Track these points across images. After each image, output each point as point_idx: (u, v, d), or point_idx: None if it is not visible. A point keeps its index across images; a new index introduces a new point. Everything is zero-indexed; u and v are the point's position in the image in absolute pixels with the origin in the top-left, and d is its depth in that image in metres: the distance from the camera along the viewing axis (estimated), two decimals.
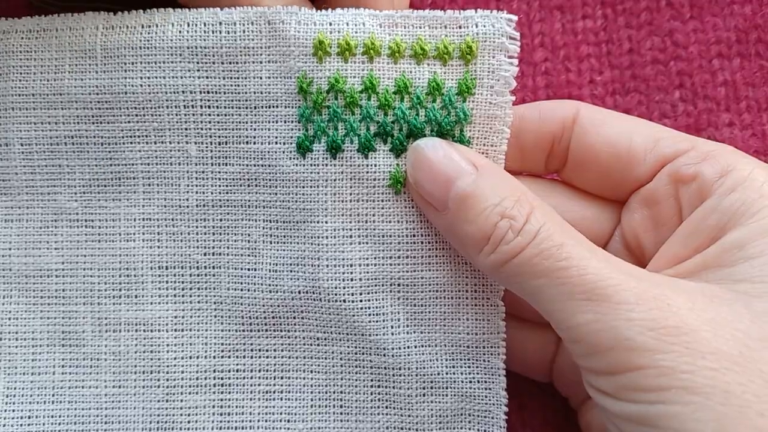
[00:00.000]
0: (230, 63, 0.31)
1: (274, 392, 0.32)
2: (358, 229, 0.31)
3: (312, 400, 0.32)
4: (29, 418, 0.32)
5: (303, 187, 0.31)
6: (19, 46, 0.32)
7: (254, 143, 0.32)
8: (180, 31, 0.31)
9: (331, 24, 0.31)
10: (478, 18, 0.31)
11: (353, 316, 0.31)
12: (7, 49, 0.32)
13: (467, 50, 0.31)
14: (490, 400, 0.32)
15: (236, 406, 0.32)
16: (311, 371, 0.32)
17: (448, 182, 0.29)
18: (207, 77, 0.31)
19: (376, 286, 0.31)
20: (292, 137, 0.32)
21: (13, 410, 0.32)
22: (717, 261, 0.27)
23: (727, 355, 0.24)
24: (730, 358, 0.24)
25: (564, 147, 0.31)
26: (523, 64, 0.38)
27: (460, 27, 0.31)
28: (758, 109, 0.38)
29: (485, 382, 0.32)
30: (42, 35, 0.32)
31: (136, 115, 0.32)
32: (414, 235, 0.31)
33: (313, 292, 0.32)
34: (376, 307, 0.32)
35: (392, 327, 0.32)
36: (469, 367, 0.32)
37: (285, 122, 0.32)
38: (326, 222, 0.31)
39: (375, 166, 0.31)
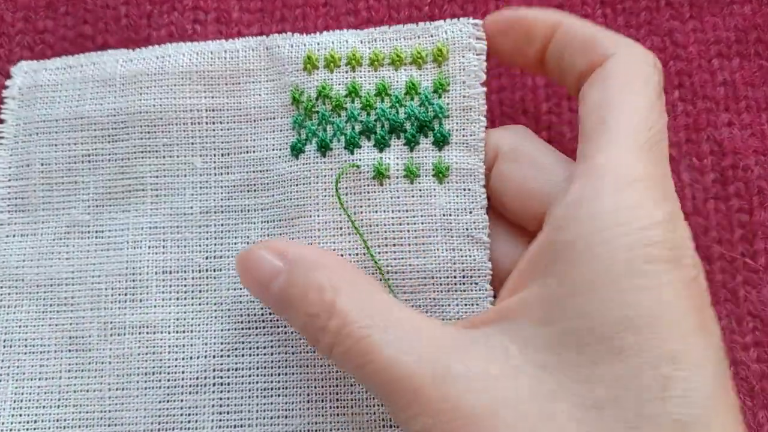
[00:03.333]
0: (233, 84, 0.35)
1: (271, 389, 0.33)
2: (348, 221, 0.33)
3: (309, 395, 0.33)
4: (35, 422, 0.33)
5: (297, 185, 0.33)
6: (47, 81, 0.36)
7: (253, 152, 0.34)
8: (190, 59, 0.35)
9: (318, 43, 0.34)
10: (447, 26, 0.34)
11: None
12: (36, 83, 0.36)
13: (438, 54, 0.34)
14: None
15: (235, 405, 0.33)
16: (307, 366, 0.33)
17: (264, 287, 0.29)
18: (212, 96, 0.35)
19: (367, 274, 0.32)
20: (286, 143, 0.34)
21: (20, 415, 0.33)
22: (531, 312, 0.25)
23: None
24: None
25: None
26: None
27: (431, 35, 0.34)
28: (757, 109, 0.37)
29: None
30: (68, 71, 0.36)
31: (148, 132, 0.35)
32: (400, 224, 0.33)
33: None
34: None
35: None
36: None
37: (281, 131, 0.34)
38: (318, 215, 0.33)
39: (360, 160, 0.33)
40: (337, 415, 0.33)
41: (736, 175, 0.36)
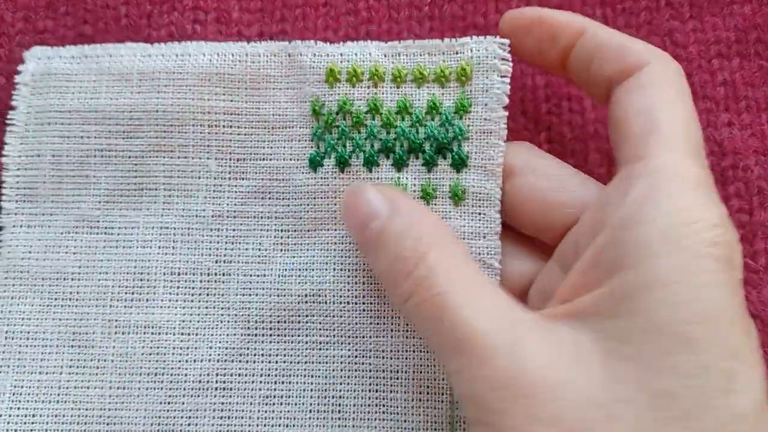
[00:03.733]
0: (253, 88, 0.34)
1: (274, 397, 0.33)
2: None
3: (311, 405, 0.33)
4: (33, 416, 0.33)
5: (314, 198, 0.34)
6: (61, 69, 0.35)
7: (270, 160, 0.34)
8: (210, 60, 0.34)
9: (341, 54, 0.34)
10: (472, 44, 0.33)
11: (355, 318, 0.33)
12: (50, 71, 0.35)
13: (462, 73, 0.33)
14: None
15: (236, 410, 0.33)
16: (312, 376, 0.33)
17: (364, 223, 0.30)
18: (231, 100, 0.34)
19: (378, 290, 0.33)
20: (304, 154, 0.34)
21: (18, 408, 0.33)
22: (600, 308, 0.26)
23: (562, 421, 0.24)
24: (565, 425, 0.24)
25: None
26: (522, 63, 0.38)
27: (456, 53, 0.33)
28: (757, 109, 0.37)
29: None
30: (83, 61, 0.35)
31: (164, 132, 0.34)
32: None
33: (319, 296, 0.33)
34: (377, 311, 0.33)
35: (392, 330, 0.33)
36: None
37: (299, 141, 0.34)
38: (335, 230, 0.33)
39: (378, 179, 0.33)
40: (339, 426, 0.33)
41: (736, 175, 0.36)
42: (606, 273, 0.26)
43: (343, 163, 0.33)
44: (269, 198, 0.34)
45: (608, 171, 0.37)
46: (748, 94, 0.37)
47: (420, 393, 0.33)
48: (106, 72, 0.35)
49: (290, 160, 0.34)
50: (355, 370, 0.33)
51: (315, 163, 0.34)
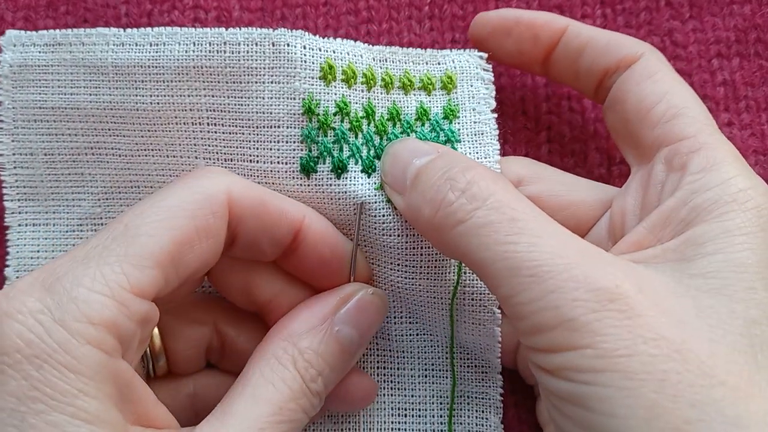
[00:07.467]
0: (234, 83, 0.32)
1: None
2: (363, 240, 0.33)
3: None
4: None
5: (309, 205, 0.32)
6: (36, 60, 0.33)
7: (257, 162, 0.33)
8: (186, 51, 0.32)
9: (335, 51, 0.33)
10: (453, 55, 0.34)
11: None
12: (26, 62, 0.33)
13: (448, 81, 0.34)
14: (486, 383, 0.34)
15: None
16: None
17: (408, 162, 0.30)
18: (212, 96, 0.32)
19: (378, 285, 0.34)
20: (294, 158, 0.32)
21: None
22: (676, 254, 0.27)
23: (669, 342, 0.24)
24: (671, 346, 0.24)
25: (610, 85, 0.32)
26: None
27: (438, 63, 0.34)
28: (757, 109, 0.38)
29: (481, 367, 0.34)
30: (57, 49, 0.33)
31: (149, 130, 0.33)
32: (413, 248, 0.32)
33: None
34: None
35: (394, 318, 0.34)
36: (467, 357, 0.34)
37: (287, 143, 0.32)
38: None
39: (374, 183, 0.33)
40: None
41: None
42: (678, 228, 0.28)
43: (341, 169, 0.32)
44: None
45: (608, 171, 0.37)
46: (747, 94, 0.38)
47: (425, 371, 0.34)
48: (80, 64, 0.33)
49: (279, 163, 0.32)
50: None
51: (308, 169, 0.32)
